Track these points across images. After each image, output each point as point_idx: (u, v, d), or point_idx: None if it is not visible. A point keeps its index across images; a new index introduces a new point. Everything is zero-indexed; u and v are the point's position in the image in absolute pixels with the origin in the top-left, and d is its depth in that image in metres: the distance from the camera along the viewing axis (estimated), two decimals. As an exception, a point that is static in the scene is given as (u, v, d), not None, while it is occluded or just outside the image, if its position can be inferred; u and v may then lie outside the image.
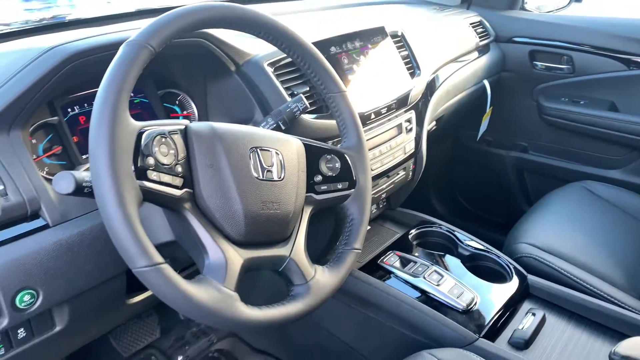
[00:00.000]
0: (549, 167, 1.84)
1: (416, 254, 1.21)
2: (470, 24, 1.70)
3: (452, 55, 1.52)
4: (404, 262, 1.17)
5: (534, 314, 1.07)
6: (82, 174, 0.63)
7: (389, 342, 1.11)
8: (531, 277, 1.16)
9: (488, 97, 1.75)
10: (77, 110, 0.89)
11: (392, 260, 1.18)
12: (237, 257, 0.66)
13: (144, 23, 0.66)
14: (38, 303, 0.70)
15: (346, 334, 1.20)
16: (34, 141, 0.81)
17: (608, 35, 1.65)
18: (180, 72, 1.00)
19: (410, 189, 1.35)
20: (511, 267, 1.19)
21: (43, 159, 0.83)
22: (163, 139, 0.63)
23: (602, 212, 1.41)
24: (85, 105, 0.90)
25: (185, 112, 1.02)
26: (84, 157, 0.87)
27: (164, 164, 0.62)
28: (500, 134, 1.94)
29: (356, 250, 0.80)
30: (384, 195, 1.24)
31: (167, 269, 0.58)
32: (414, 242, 1.28)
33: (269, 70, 0.96)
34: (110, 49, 0.75)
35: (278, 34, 0.77)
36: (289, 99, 0.96)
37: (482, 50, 1.73)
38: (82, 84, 0.85)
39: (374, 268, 1.16)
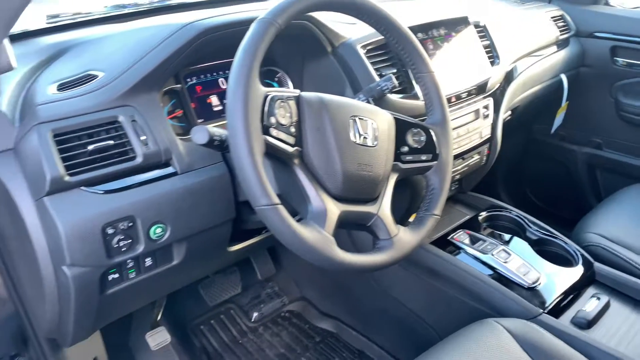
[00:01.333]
0: (623, 164, 1.83)
1: (485, 234, 1.28)
2: (551, 17, 1.72)
3: (532, 48, 1.56)
4: (473, 240, 1.24)
5: (598, 298, 1.11)
6: (214, 129, 0.76)
7: (453, 312, 1.19)
8: (598, 265, 1.20)
9: (565, 92, 1.76)
10: (194, 80, 1.03)
11: (462, 238, 1.25)
12: (334, 208, 0.77)
13: (259, 5, 0.78)
14: (166, 236, 0.84)
15: (413, 302, 1.29)
16: (161, 104, 0.96)
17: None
18: (280, 52, 1.12)
19: (482, 174, 1.42)
20: (578, 253, 1.23)
21: (167, 120, 0.97)
22: (282, 103, 0.74)
23: (676, 210, 1.41)
24: (202, 76, 1.04)
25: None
26: (199, 121, 1.01)
27: (282, 124, 0.74)
28: (574, 129, 1.94)
29: (435, 216, 0.89)
30: (457, 177, 1.31)
31: (282, 209, 0.70)
32: (484, 224, 1.35)
33: (361, 52, 1.06)
34: (237, 25, 0.88)
35: (379, 17, 0.87)
36: (377, 78, 1.05)
37: (562, 44, 1.74)
38: (202, 57, 0.98)
39: (445, 243, 1.24)
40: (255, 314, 1.60)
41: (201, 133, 0.74)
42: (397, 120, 0.88)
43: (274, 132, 0.72)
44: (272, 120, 0.72)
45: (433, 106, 0.93)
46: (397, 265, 1.26)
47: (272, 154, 0.73)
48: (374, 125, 0.83)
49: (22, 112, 0.80)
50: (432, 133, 0.91)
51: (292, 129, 0.76)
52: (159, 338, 1.23)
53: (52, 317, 0.86)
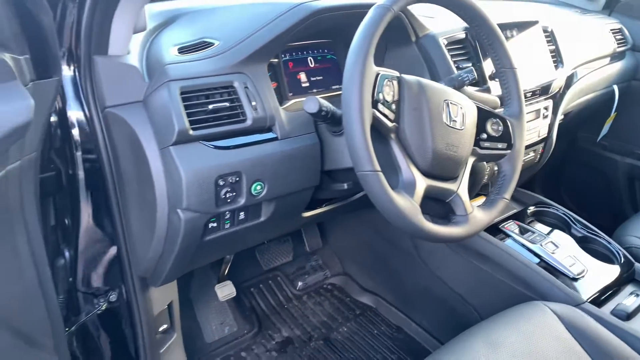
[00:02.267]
0: (664, 178, 1.89)
1: (533, 227, 1.36)
2: (610, 29, 1.78)
3: (591, 57, 1.63)
4: (522, 231, 1.32)
5: (637, 295, 1.19)
6: (322, 101, 0.85)
7: (498, 295, 1.27)
8: (638, 265, 1.28)
9: (615, 102, 1.83)
10: (287, 57, 1.12)
11: (512, 227, 1.33)
12: (422, 181, 0.86)
13: None
14: (263, 193, 0.94)
15: (458, 283, 1.38)
16: (268, 75, 1.04)
17: None
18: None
19: (534, 171, 1.49)
20: (620, 253, 1.30)
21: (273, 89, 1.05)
22: (388, 82, 0.83)
23: None
24: (294, 54, 1.13)
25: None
26: (290, 94, 1.10)
27: (386, 101, 0.83)
28: (619, 139, 2.00)
29: (505, 199, 0.98)
30: (512, 171, 1.39)
31: (382, 176, 0.79)
32: (531, 218, 1.43)
33: (443, 44, 1.15)
34: (346, 9, 0.97)
35: (474, 13, 0.95)
36: (454, 70, 1.14)
37: (618, 56, 1.81)
38: (302, 36, 1.07)
39: (495, 231, 1.33)
40: (300, 283, 1.71)
41: (313, 102, 0.84)
42: (479, 110, 0.97)
43: (380, 107, 0.81)
44: (380, 96, 0.81)
45: (512, 99, 1.01)
46: (446, 247, 1.36)
47: (375, 126, 0.82)
48: (462, 111, 0.91)
49: (149, 70, 0.90)
50: (509, 124, 0.99)
51: (393, 106, 0.85)
52: (226, 290, 1.34)
53: (153, 256, 0.96)
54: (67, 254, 1.01)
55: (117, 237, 0.99)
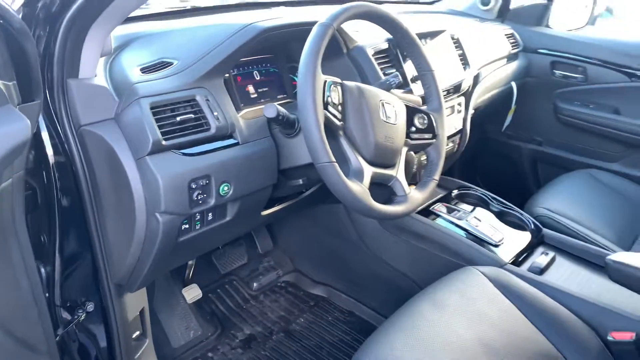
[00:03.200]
0: (560, 158, 2.21)
1: (458, 207, 1.57)
2: (505, 34, 2.07)
3: (491, 58, 1.89)
4: (449, 210, 1.53)
5: (546, 254, 1.42)
6: (280, 107, 0.99)
7: (435, 266, 1.46)
8: (546, 230, 1.52)
9: (514, 97, 2.11)
10: (236, 72, 1.25)
11: (440, 208, 1.53)
12: (368, 169, 1.02)
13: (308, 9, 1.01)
14: (230, 193, 1.05)
15: (400, 262, 1.55)
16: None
17: (615, 52, 2.02)
18: (301, 51, 1.36)
19: (453, 159, 1.72)
20: (530, 221, 1.54)
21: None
22: (334, 87, 0.99)
23: (602, 192, 1.78)
24: (241, 69, 1.26)
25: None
26: (242, 105, 1.22)
27: (334, 103, 0.98)
28: (520, 129, 2.31)
29: (435, 180, 1.16)
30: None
31: (337, 166, 0.94)
32: (456, 200, 1.64)
33: (370, 54, 1.32)
34: (290, 27, 1.11)
35: (397, 27, 1.13)
36: (382, 76, 1.31)
37: (513, 57, 2.10)
38: (249, 53, 1.20)
39: (427, 213, 1.52)
40: (255, 284, 1.81)
41: (272, 108, 0.97)
42: (407, 107, 1.15)
43: (330, 108, 0.96)
44: (329, 99, 0.97)
45: (432, 97, 1.20)
46: (387, 232, 1.53)
47: (326, 125, 0.97)
48: (394, 109, 1.09)
49: (117, 89, 0.99)
50: (432, 118, 1.18)
51: (340, 108, 1.00)
52: (193, 292, 1.42)
53: (131, 262, 1.04)
54: (43, 270, 1.06)
55: (93, 249, 1.06)
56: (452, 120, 1.58)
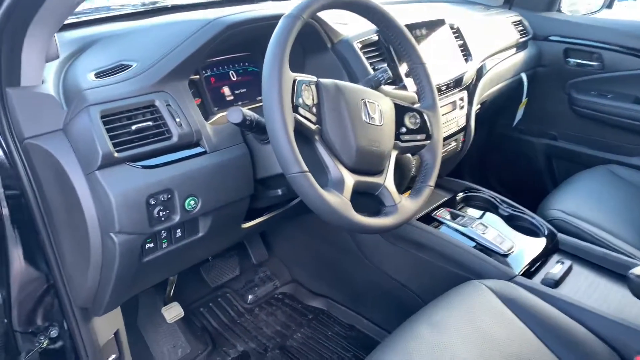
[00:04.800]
0: (576, 153, 2.05)
1: (463, 212, 1.44)
2: (512, 22, 1.93)
3: (497, 48, 1.75)
4: (454, 216, 1.40)
5: (562, 263, 1.29)
6: (246, 111, 0.87)
7: (438, 279, 1.34)
8: (561, 235, 1.38)
9: (524, 89, 1.97)
10: (209, 73, 1.14)
11: (443, 214, 1.41)
12: (350, 178, 0.90)
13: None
14: (198, 208, 0.95)
15: (401, 274, 1.43)
16: (190, 92, 1.05)
17: (635, 36, 1.86)
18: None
19: (458, 159, 1.58)
20: (544, 226, 1.41)
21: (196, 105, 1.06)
22: (306, 87, 0.87)
23: (622, 190, 1.63)
24: (214, 69, 1.15)
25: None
26: (215, 109, 1.12)
27: (307, 105, 0.86)
28: (532, 123, 2.16)
29: (430, 186, 1.04)
30: (437, 161, 1.47)
31: (310, 176, 0.82)
32: (461, 204, 1.51)
33: (357, 48, 1.20)
34: (258, 21, 1.00)
35: (382, 16, 1.01)
36: (371, 71, 1.19)
37: (521, 46, 1.95)
38: (216, 51, 1.09)
39: (429, 219, 1.39)
40: (250, 297, 1.71)
41: (236, 113, 0.86)
42: (396, 105, 1.02)
43: (301, 110, 0.85)
44: (300, 100, 0.85)
45: (425, 93, 1.08)
46: (386, 241, 1.41)
47: (299, 130, 0.85)
48: (380, 108, 0.96)
49: (67, 97, 0.89)
50: (425, 116, 1.06)
51: (314, 109, 0.88)
52: (173, 312, 1.32)
53: (92, 284, 0.94)
54: (-2, 295, 0.97)
55: (51, 271, 0.96)
56: (455, 117, 1.45)
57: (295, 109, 0.83)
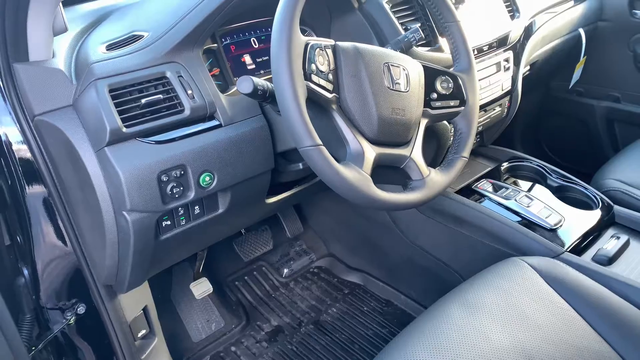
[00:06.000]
0: (641, 116, 1.86)
1: (507, 183, 1.33)
2: (570, -29, 1.73)
3: (549, 2, 1.58)
4: (496, 188, 1.29)
5: (618, 238, 1.16)
6: (257, 80, 0.81)
7: (478, 255, 1.25)
8: (617, 207, 1.25)
9: (583, 46, 1.78)
10: (229, 40, 1.08)
11: (485, 186, 1.30)
12: (371, 151, 0.83)
13: None
14: (214, 184, 0.91)
15: (438, 250, 1.35)
16: (203, 61, 1.00)
17: None
18: (308, 10, 1.15)
19: (503, 126, 1.46)
20: (598, 197, 1.28)
21: (210, 76, 1.02)
22: (320, 52, 0.79)
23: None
24: (235, 36, 1.09)
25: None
26: (235, 79, 1.06)
27: (321, 71, 0.79)
28: (592, 84, 1.97)
29: (464, 158, 0.94)
30: (479, 129, 1.36)
31: (324, 150, 0.75)
32: (505, 174, 1.40)
33: (387, 6, 1.10)
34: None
35: None
36: (402, 32, 1.09)
37: (579, -1, 1.76)
38: (235, 17, 1.03)
39: (469, 192, 1.30)
40: (285, 270, 1.68)
41: (246, 82, 0.80)
42: (426, 68, 0.93)
43: (314, 78, 0.78)
44: (313, 67, 0.78)
45: (459, 54, 0.97)
46: (423, 215, 1.33)
47: (313, 99, 0.79)
48: (405, 72, 0.88)
49: (77, 71, 0.86)
50: (460, 80, 0.96)
51: (330, 76, 0.81)
52: (202, 288, 1.31)
53: (111, 263, 0.93)
54: (25, 271, 0.98)
55: (73, 248, 0.96)
56: (499, 80, 1.32)
57: (307, 76, 0.76)
